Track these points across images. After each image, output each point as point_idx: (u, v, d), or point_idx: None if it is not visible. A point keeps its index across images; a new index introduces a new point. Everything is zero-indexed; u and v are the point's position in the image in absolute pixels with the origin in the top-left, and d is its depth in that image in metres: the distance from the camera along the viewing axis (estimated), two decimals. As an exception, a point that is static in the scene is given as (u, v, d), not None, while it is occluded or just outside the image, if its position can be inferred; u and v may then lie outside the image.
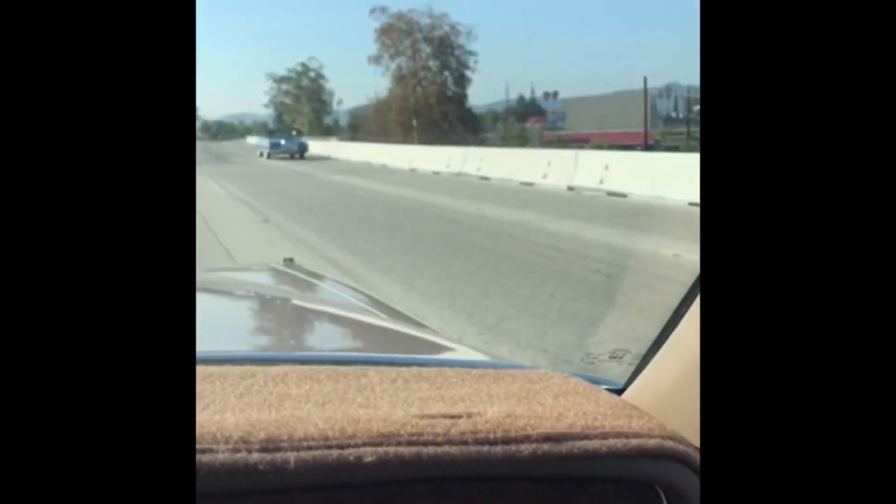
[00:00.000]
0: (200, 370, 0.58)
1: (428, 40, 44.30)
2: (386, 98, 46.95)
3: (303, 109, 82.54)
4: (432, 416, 0.52)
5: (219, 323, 1.02)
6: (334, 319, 1.08)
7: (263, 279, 1.47)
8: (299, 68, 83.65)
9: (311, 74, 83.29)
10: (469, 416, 0.52)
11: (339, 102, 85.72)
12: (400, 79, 46.24)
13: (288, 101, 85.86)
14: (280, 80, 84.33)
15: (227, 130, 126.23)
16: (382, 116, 46.20)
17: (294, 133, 30.31)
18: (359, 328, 1.03)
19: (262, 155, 27.71)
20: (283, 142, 28.04)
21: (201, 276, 1.45)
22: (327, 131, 78.29)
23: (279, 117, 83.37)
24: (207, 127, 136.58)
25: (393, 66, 46.46)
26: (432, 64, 44.76)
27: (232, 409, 0.51)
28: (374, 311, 1.14)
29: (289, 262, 1.59)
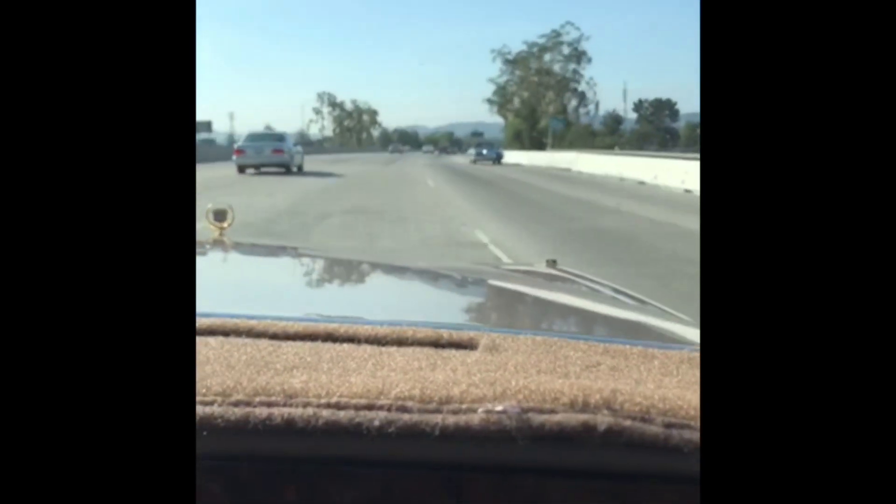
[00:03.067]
0: (591, 345, 0.59)
1: None
2: None
3: (547, 107, 57.54)
4: None
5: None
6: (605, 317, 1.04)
7: (532, 280, 1.43)
8: (542, 40, 59.06)
9: (565, 50, 58.59)
10: None
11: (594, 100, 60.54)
12: None
13: (519, 89, 60.23)
14: (515, 60, 60.28)
15: (405, 141, 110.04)
16: None
17: (493, 146, 43.70)
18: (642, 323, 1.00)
19: (472, 162, 39.50)
20: (484, 151, 40.95)
21: (466, 266, 1.81)
22: (589, 137, 51.70)
23: (519, 116, 58.95)
24: (388, 135, 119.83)
25: None
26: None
27: (677, 386, 0.50)
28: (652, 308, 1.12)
29: (552, 263, 1.57)
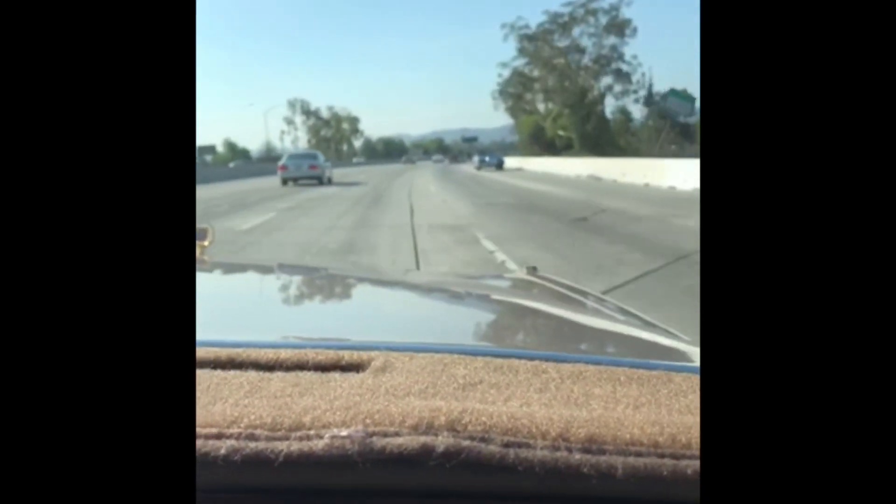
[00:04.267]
0: (488, 361, 0.58)
1: None
2: None
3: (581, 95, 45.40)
4: None
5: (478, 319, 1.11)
6: (583, 328, 1.04)
7: (510, 287, 1.47)
8: (569, 9, 47.10)
9: (601, 20, 46.46)
10: None
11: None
12: None
13: (543, 73, 47.80)
14: (532, 36, 48.08)
15: (391, 150, 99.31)
16: None
17: (493, 154, 47.41)
18: (617, 339, 0.98)
19: (476, 169, 43.87)
20: (487, 158, 44.81)
21: (443, 279, 1.69)
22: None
23: (534, 113, 46.88)
24: (371, 145, 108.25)
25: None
26: None
27: (538, 403, 0.50)
28: (635, 321, 1.11)
29: (532, 269, 1.58)
